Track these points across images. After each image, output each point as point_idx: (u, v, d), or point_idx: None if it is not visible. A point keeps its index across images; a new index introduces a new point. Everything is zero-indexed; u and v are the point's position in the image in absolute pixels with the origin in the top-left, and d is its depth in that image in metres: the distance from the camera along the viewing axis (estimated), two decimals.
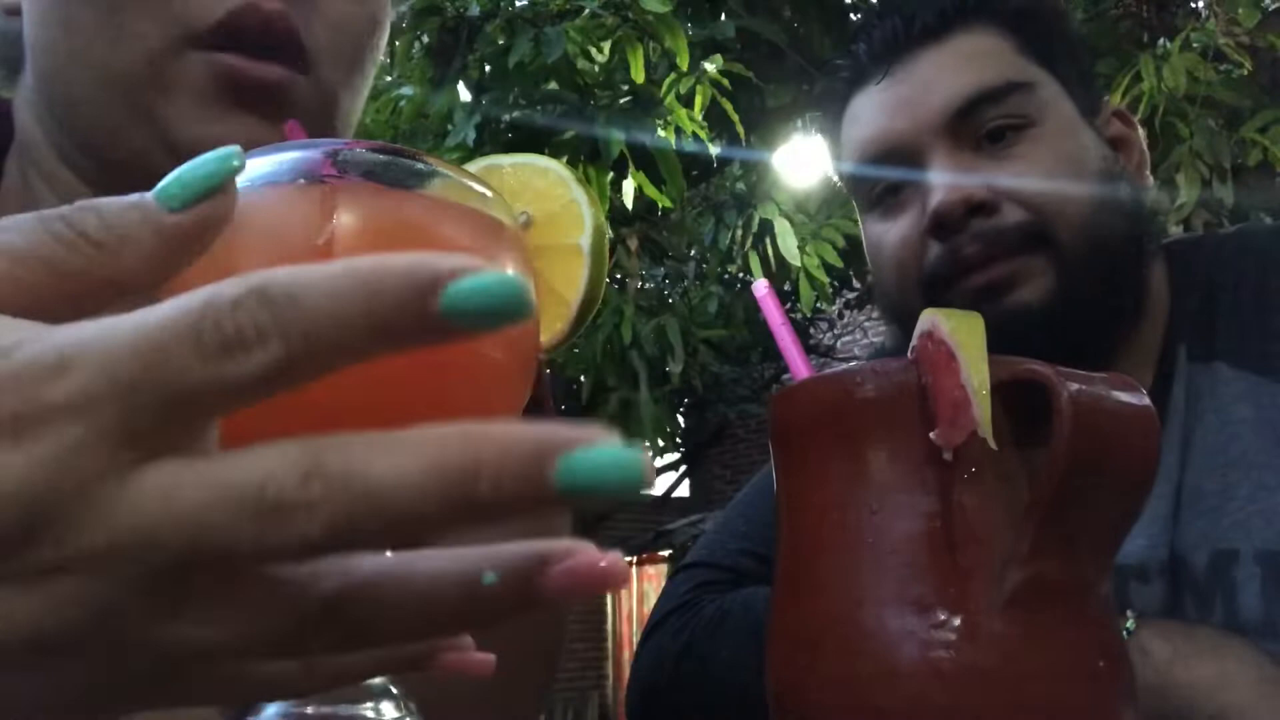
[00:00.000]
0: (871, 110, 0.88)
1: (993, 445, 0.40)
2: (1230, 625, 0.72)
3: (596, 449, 0.24)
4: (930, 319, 0.44)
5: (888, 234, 0.88)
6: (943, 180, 0.82)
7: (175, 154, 0.42)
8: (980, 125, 0.84)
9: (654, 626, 0.96)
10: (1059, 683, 0.41)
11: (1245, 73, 3.31)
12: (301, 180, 0.40)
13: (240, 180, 0.41)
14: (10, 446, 0.22)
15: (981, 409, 0.39)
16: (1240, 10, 3.18)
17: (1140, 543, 0.78)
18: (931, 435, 0.42)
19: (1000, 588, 0.41)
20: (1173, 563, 0.77)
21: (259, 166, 0.41)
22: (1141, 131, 0.94)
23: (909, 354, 0.47)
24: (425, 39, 3.80)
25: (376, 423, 0.34)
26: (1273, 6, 3.51)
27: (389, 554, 0.27)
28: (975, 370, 0.40)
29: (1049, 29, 0.90)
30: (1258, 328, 0.80)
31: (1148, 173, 0.91)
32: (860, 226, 0.96)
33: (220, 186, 0.28)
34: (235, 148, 0.28)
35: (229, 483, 0.23)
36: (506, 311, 0.23)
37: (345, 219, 0.39)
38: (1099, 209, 0.82)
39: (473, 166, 0.52)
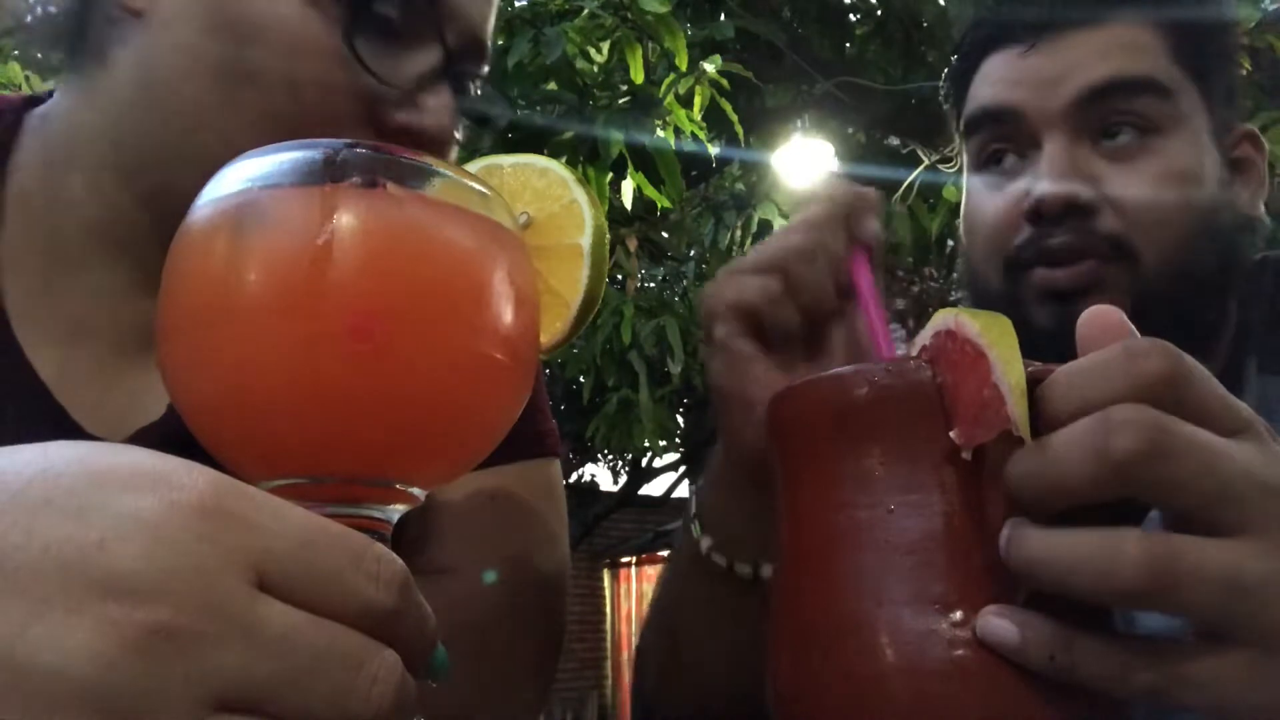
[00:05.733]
0: (1005, 74, 0.88)
1: (1029, 443, 0.40)
2: None
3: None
4: (952, 318, 0.44)
5: (986, 203, 0.89)
6: (1052, 171, 0.82)
7: None
8: (1104, 117, 0.83)
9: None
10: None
11: (1245, 73, 3.31)
12: (301, 182, 0.40)
13: (240, 181, 0.41)
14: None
15: (1019, 409, 0.39)
16: (1240, 11, 3.18)
17: None
18: (951, 434, 0.42)
19: (1021, 585, 0.41)
20: None
21: (259, 167, 0.41)
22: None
23: (915, 352, 0.47)
24: None
25: (391, 413, 0.39)
26: (1272, 7, 3.52)
27: None
28: (1010, 370, 0.40)
29: (1209, 37, 0.88)
30: None
31: (1262, 203, 0.89)
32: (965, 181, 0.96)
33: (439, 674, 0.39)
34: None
35: (340, 641, 0.33)
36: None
37: (345, 220, 0.39)
38: (1193, 237, 0.82)
39: (473, 166, 0.52)
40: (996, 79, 0.88)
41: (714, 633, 0.71)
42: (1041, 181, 0.82)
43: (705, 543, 0.69)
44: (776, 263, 0.63)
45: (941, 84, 0.99)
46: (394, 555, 0.35)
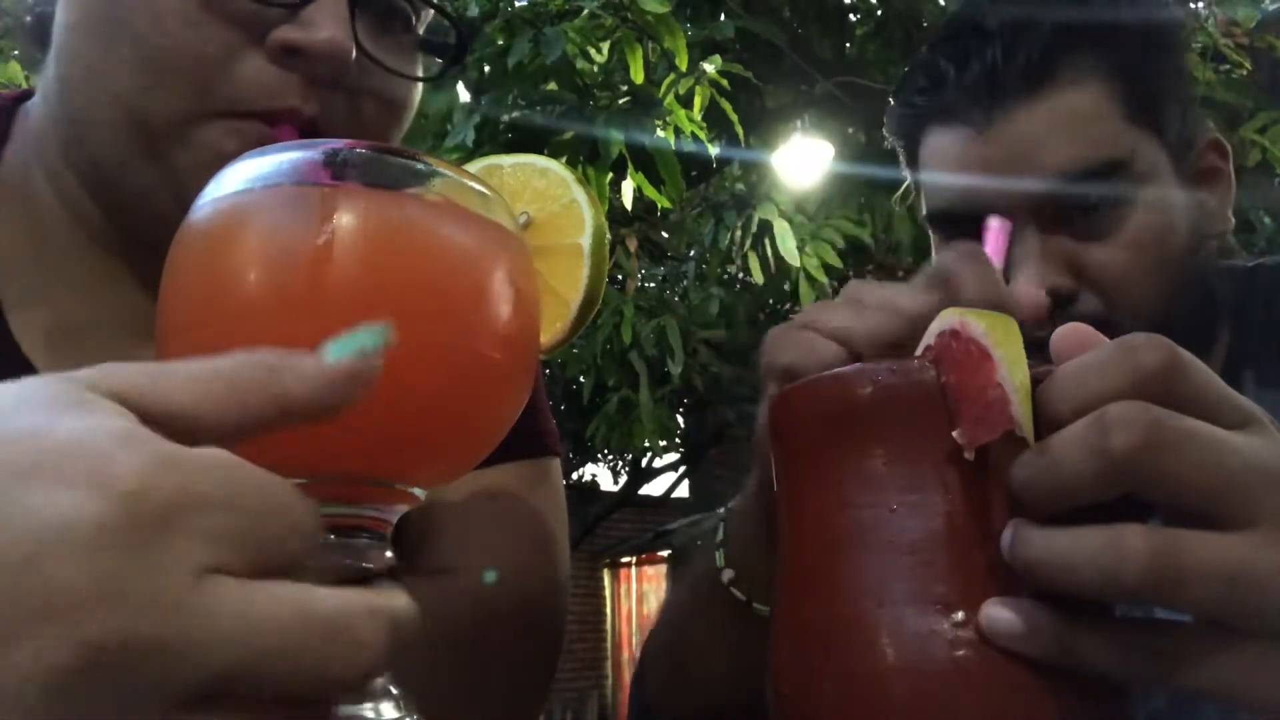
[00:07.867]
0: (961, 160, 0.84)
1: (1032, 443, 0.40)
2: None
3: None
4: (957, 318, 0.44)
5: None
6: (1028, 275, 0.79)
7: (182, 204, 0.43)
8: (1074, 202, 0.80)
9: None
10: (1085, 679, 0.41)
11: (1245, 73, 3.32)
12: (301, 182, 0.40)
13: (240, 181, 0.41)
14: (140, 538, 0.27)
15: (1023, 408, 0.39)
16: (1239, 12, 3.18)
17: None
18: (954, 434, 0.42)
19: (1024, 585, 0.41)
20: None
21: (259, 167, 0.41)
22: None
23: (919, 353, 0.47)
24: None
25: (390, 413, 0.38)
26: (1272, 7, 3.52)
27: None
28: (1015, 370, 0.40)
29: (1158, 73, 0.83)
30: None
31: (1229, 212, 0.88)
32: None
33: (370, 355, 0.34)
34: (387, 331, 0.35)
35: (308, 610, 0.29)
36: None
37: (344, 220, 0.39)
38: (1173, 292, 0.80)
39: (473, 167, 0.52)
40: (954, 165, 0.84)
41: (723, 658, 0.70)
42: (1018, 282, 0.79)
43: (727, 574, 0.67)
44: (853, 338, 0.55)
45: (884, 125, 0.95)
46: (300, 494, 0.32)
